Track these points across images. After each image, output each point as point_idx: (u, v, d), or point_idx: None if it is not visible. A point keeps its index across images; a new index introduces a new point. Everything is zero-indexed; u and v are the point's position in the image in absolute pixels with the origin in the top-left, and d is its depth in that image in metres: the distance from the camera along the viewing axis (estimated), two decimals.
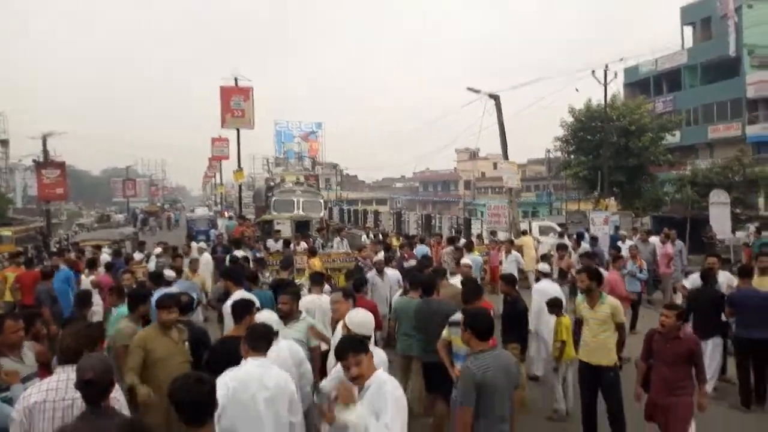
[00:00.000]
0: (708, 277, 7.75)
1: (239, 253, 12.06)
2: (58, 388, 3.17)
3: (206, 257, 12.45)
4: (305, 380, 4.48)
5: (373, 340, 4.34)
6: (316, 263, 10.97)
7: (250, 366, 3.60)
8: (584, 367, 5.82)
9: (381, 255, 10.95)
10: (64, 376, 3.21)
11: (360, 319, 4.17)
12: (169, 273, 8.15)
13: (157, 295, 5.48)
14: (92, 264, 10.53)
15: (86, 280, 9.68)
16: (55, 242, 25.03)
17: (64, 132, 35.87)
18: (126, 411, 3.18)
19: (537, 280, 8.42)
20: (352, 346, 3.35)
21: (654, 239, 14.69)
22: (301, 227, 18.50)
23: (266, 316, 4.58)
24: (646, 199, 29.52)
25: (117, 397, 3.12)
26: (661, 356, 5.11)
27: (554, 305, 6.92)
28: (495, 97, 18.74)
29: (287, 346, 4.49)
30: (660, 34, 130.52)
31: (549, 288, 7.61)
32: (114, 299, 6.44)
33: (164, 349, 4.62)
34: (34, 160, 32.87)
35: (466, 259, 9.56)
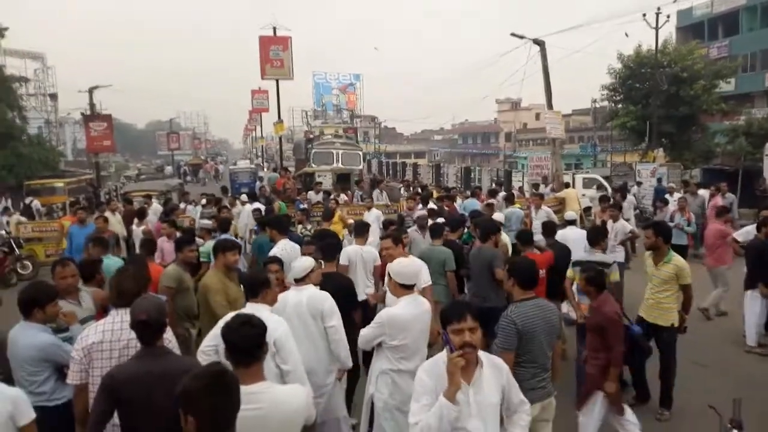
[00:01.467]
0: (763, 227, 7.43)
1: (256, 204, 12.06)
2: (114, 330, 3.28)
3: (248, 209, 12.62)
4: (331, 333, 4.19)
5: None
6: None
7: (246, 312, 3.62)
8: (640, 320, 5.70)
9: (422, 210, 10.89)
10: (119, 318, 3.31)
11: (404, 267, 4.03)
12: (205, 222, 8.34)
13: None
14: (142, 214, 10.80)
15: (137, 230, 9.97)
16: (105, 193, 25.83)
17: (109, 85, 36.28)
18: (177, 351, 3.29)
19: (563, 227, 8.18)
20: (470, 309, 2.83)
21: (703, 192, 14.17)
22: (342, 180, 18.61)
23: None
24: (697, 151, 28.36)
25: (168, 338, 3.22)
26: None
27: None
28: (540, 43, 18.00)
29: (309, 296, 4.19)
30: None
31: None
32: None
33: (235, 290, 4.82)
34: (81, 113, 33.69)
35: (498, 215, 9.52)
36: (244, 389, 2.51)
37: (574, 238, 7.40)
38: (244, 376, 2.56)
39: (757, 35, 36.45)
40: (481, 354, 2.86)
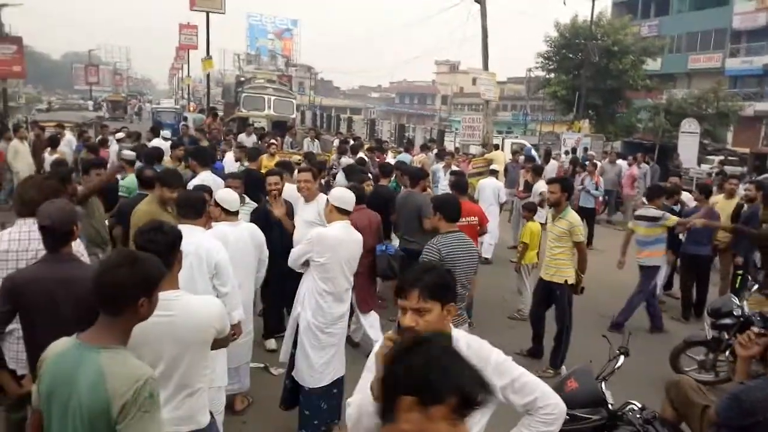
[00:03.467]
0: (674, 195, 8.04)
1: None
2: (21, 240, 3.17)
3: (163, 143, 12.03)
4: (262, 266, 4.59)
5: None
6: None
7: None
8: (539, 279, 5.92)
9: (348, 159, 10.99)
10: (26, 228, 3.20)
11: (344, 192, 4.20)
12: (128, 153, 7.99)
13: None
14: (55, 142, 10.24)
15: (49, 158, 9.44)
16: (13, 123, 24.05)
17: (20, 3, 33.04)
18: (87, 262, 3.22)
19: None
20: (423, 284, 1.99)
21: (621, 162, 15.01)
22: (277, 127, 18.19)
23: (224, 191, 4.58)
24: (620, 125, 29.80)
25: (80, 251, 3.15)
26: None
27: (527, 209, 7.40)
28: (480, 2, 18.13)
29: (250, 230, 4.46)
30: None
31: (486, 182, 9.70)
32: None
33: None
34: None
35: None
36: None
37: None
38: None
39: (685, 18, 38.27)
40: (459, 339, 2.06)
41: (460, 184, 6.72)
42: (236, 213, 4.40)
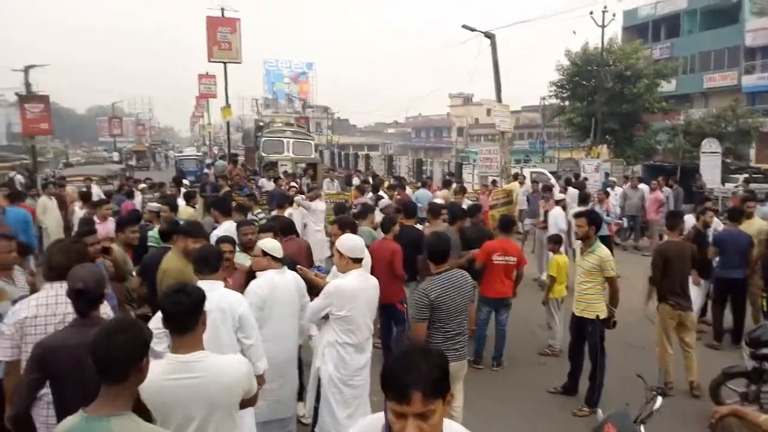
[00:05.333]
0: (701, 217, 7.95)
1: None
2: (48, 304, 3.19)
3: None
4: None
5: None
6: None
7: None
8: (572, 314, 5.75)
9: (368, 196, 11.04)
10: (53, 292, 3.22)
11: (352, 240, 4.17)
12: (154, 205, 8.12)
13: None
14: (86, 197, 10.39)
15: (79, 213, 9.61)
16: (42, 179, 24.75)
17: (46, 64, 34.40)
18: None
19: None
20: (425, 382, 1.61)
21: (643, 186, 14.80)
22: (308, 170, 18.27)
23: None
24: (638, 148, 29.54)
25: (107, 312, 3.16)
26: None
27: (552, 241, 7.30)
28: (491, 36, 18.31)
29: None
30: None
31: None
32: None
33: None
34: (16, 94, 32.06)
35: (437, 199, 10.01)
36: (179, 358, 2.51)
37: None
38: (180, 344, 2.55)
39: (697, 38, 38.20)
40: None
41: (507, 222, 6.75)
42: (281, 260, 4.35)
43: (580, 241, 5.70)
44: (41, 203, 11.09)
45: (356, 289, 3.98)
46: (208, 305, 3.30)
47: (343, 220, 5.71)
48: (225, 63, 28.13)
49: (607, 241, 11.22)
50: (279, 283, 4.15)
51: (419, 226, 8.84)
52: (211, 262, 3.69)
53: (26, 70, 30.91)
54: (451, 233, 6.45)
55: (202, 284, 3.53)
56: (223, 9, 28.25)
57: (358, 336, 3.98)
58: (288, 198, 9.54)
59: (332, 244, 5.84)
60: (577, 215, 5.90)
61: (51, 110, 29.45)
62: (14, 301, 3.92)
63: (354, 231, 5.44)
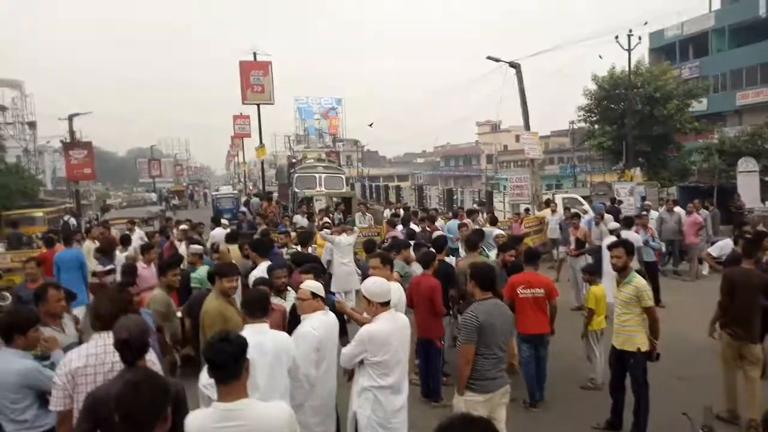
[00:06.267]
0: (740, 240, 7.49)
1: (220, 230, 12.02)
2: (98, 354, 3.28)
3: (223, 232, 12.31)
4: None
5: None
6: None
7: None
8: (612, 347, 5.59)
9: (398, 230, 11.10)
10: (101, 342, 3.32)
11: (377, 286, 4.13)
12: (196, 247, 8.30)
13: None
14: (125, 241, 10.66)
15: (120, 257, 9.87)
16: (86, 222, 25.59)
17: (89, 112, 35.99)
18: (161, 372, 3.30)
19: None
20: None
21: (679, 210, 14.44)
22: (344, 203, 18.50)
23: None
24: (672, 169, 28.96)
25: (153, 360, 3.24)
26: None
27: (587, 271, 7.15)
28: (515, 66, 18.42)
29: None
30: None
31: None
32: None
33: (235, 318, 4.69)
34: (61, 141, 33.47)
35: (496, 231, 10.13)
36: (224, 406, 2.57)
37: None
38: (225, 392, 2.60)
39: (727, 56, 37.62)
40: None
41: (532, 255, 6.66)
42: (325, 300, 4.40)
43: (616, 273, 5.54)
44: (86, 248, 11.39)
45: (388, 333, 3.99)
46: (263, 347, 3.44)
47: (386, 256, 5.59)
48: (258, 104, 28.96)
49: (653, 268, 10.91)
50: (329, 323, 4.24)
51: (450, 259, 8.89)
52: (262, 306, 3.86)
53: (70, 118, 32.31)
54: (496, 265, 6.39)
55: (253, 328, 3.68)
56: (255, 53, 29.20)
57: (394, 377, 3.98)
58: (311, 235, 9.62)
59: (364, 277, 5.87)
60: (614, 245, 5.67)
61: (93, 155, 30.64)
62: (64, 349, 4.07)
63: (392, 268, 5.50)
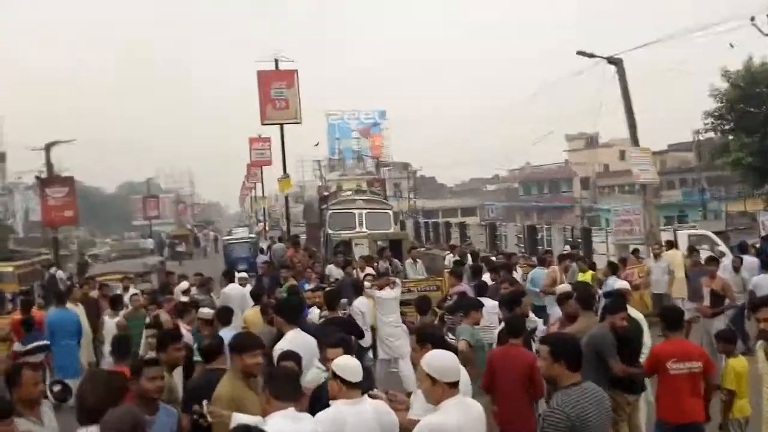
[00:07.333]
0: None
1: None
2: None
3: (238, 290, 12.46)
4: None
5: None
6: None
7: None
8: None
9: (464, 283, 11.04)
10: None
11: (444, 360, 4.07)
12: (206, 312, 8.48)
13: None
14: (115, 303, 10.96)
15: (110, 322, 10.16)
16: (66, 278, 26.37)
17: (71, 140, 36.65)
18: None
19: None
20: None
21: None
22: (393, 248, 18.28)
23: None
24: None
25: None
26: None
27: (723, 339, 6.97)
28: (616, 62, 18.23)
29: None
30: None
31: None
32: None
33: (256, 406, 4.56)
34: (36, 177, 34.55)
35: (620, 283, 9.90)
36: None
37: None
38: None
39: None
40: None
41: (675, 317, 6.50)
42: (358, 385, 4.28)
43: (762, 341, 5.46)
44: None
45: (460, 427, 3.88)
46: None
47: (422, 332, 5.35)
48: (281, 124, 29.23)
49: None
50: (349, 419, 4.10)
51: (535, 320, 8.80)
52: (296, 384, 3.98)
53: (48, 148, 33.26)
54: (605, 331, 6.37)
55: (286, 415, 3.74)
56: (277, 60, 29.00)
57: None
58: (339, 294, 9.64)
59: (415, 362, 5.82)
60: (755, 306, 5.63)
61: (76, 193, 31.68)
62: None
63: (441, 345, 4.97)
